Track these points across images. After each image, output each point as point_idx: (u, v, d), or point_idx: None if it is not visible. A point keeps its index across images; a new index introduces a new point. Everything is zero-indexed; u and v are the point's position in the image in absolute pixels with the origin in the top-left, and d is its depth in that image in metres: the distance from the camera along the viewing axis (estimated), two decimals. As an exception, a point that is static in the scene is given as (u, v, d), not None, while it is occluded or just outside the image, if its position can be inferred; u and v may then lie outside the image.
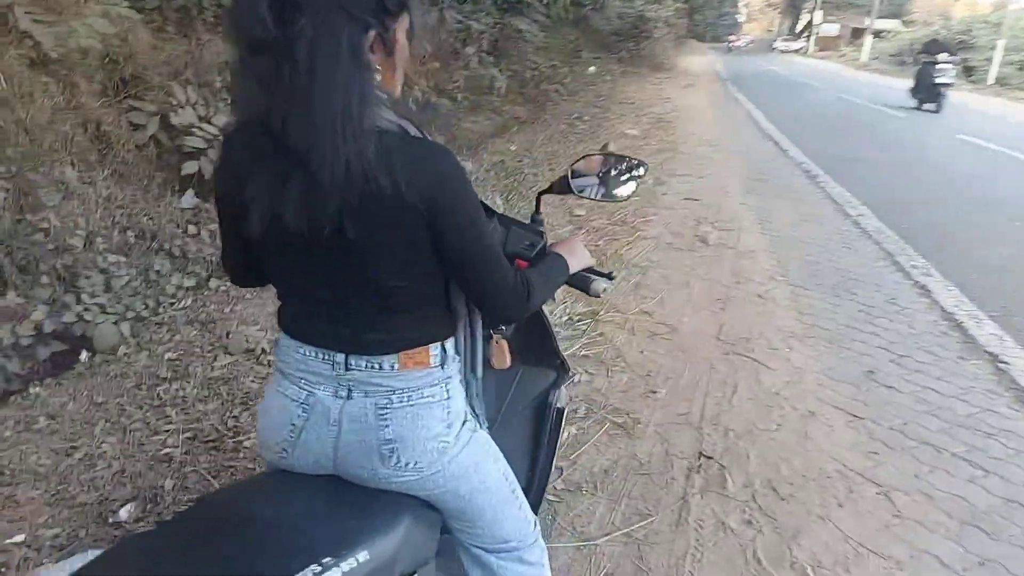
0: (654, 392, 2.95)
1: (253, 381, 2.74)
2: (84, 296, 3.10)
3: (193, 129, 4.13)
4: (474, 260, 1.08)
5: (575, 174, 1.55)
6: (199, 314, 3.25)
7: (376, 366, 1.11)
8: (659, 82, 16.36)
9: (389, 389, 1.12)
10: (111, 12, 3.66)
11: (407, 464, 1.13)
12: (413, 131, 1.03)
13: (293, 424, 1.14)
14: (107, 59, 4.29)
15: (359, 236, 0.99)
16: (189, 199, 4.29)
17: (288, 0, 0.88)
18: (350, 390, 1.12)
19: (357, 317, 1.10)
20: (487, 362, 1.62)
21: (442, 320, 1.17)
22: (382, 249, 1.03)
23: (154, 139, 4.27)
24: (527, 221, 1.56)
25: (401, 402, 1.13)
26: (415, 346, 1.13)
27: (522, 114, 9.49)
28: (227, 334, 3.09)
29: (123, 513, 1.89)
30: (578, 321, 3.59)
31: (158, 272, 3.48)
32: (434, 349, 1.15)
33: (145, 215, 3.86)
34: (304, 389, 1.13)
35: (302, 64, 0.89)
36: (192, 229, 4.03)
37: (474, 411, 1.29)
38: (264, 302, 3.42)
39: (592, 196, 1.56)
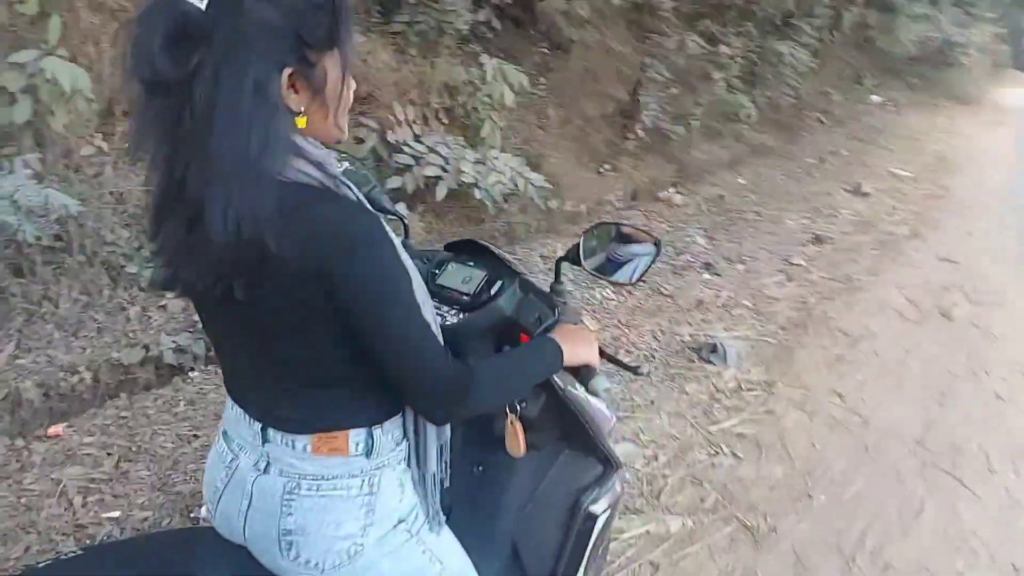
0: (809, 496, 2.47)
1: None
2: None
3: (403, 147, 4.37)
4: (383, 343, 0.92)
5: (588, 244, 1.31)
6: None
7: (290, 444, 1.00)
8: (956, 116, 14.16)
9: (300, 473, 1.00)
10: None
11: (307, 562, 1.00)
12: (344, 189, 0.91)
13: (216, 486, 1.07)
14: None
15: (252, 301, 0.89)
16: (400, 210, 4.57)
17: (188, 36, 0.79)
18: (268, 464, 1.02)
19: (269, 387, 1.00)
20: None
21: (368, 403, 1.01)
22: (279, 318, 0.92)
23: (374, 153, 4.61)
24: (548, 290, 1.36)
25: (310, 490, 1.00)
26: (331, 429, 1.00)
27: (769, 144, 8.78)
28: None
29: (202, 511, 2.01)
30: (748, 390, 3.16)
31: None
32: (356, 435, 1.00)
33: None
34: (231, 452, 1.06)
35: (200, 107, 0.79)
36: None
37: (429, 509, 1.11)
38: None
39: (601, 273, 1.32)
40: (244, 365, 1.02)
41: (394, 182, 4.37)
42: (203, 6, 0.79)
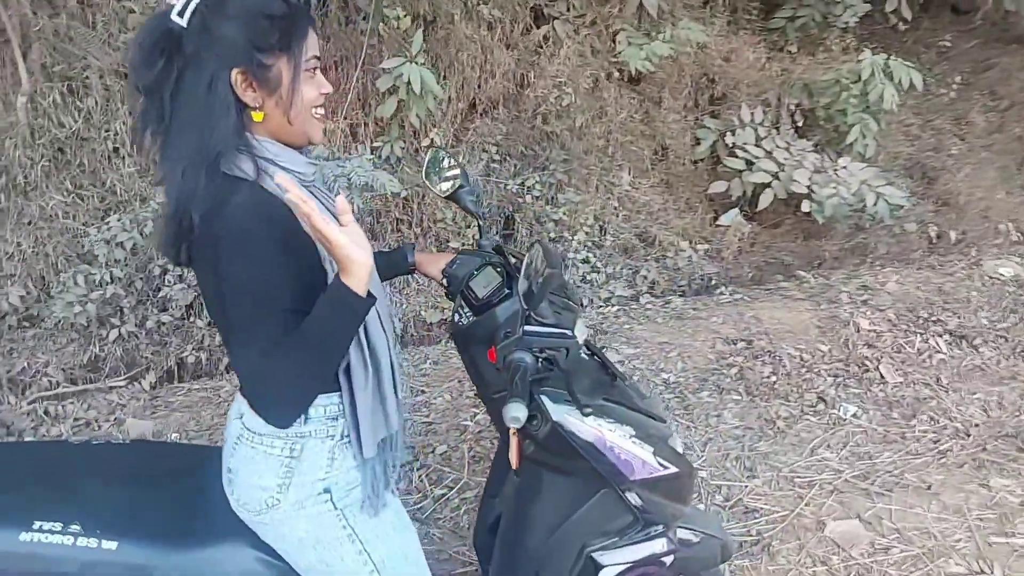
0: None
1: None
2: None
3: (737, 150, 4.12)
4: (221, 330, 1.02)
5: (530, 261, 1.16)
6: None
7: (245, 398, 1.15)
8: None
9: (247, 425, 1.14)
10: (679, 35, 3.94)
11: (238, 500, 1.15)
12: (268, 182, 1.00)
13: None
14: (704, 77, 4.65)
15: (193, 269, 1.07)
16: (731, 217, 4.36)
17: (166, 47, 0.98)
18: (242, 413, 1.17)
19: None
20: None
21: None
22: (202, 288, 1.08)
23: (713, 156, 4.45)
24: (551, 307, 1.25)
25: (247, 441, 1.14)
26: None
27: None
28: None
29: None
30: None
31: (634, 274, 3.76)
32: None
33: (660, 224, 4.14)
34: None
35: (167, 104, 1.00)
36: (701, 246, 4.13)
37: (366, 491, 1.16)
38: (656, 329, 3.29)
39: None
40: None
41: (717, 186, 4.18)
42: (184, 23, 0.97)
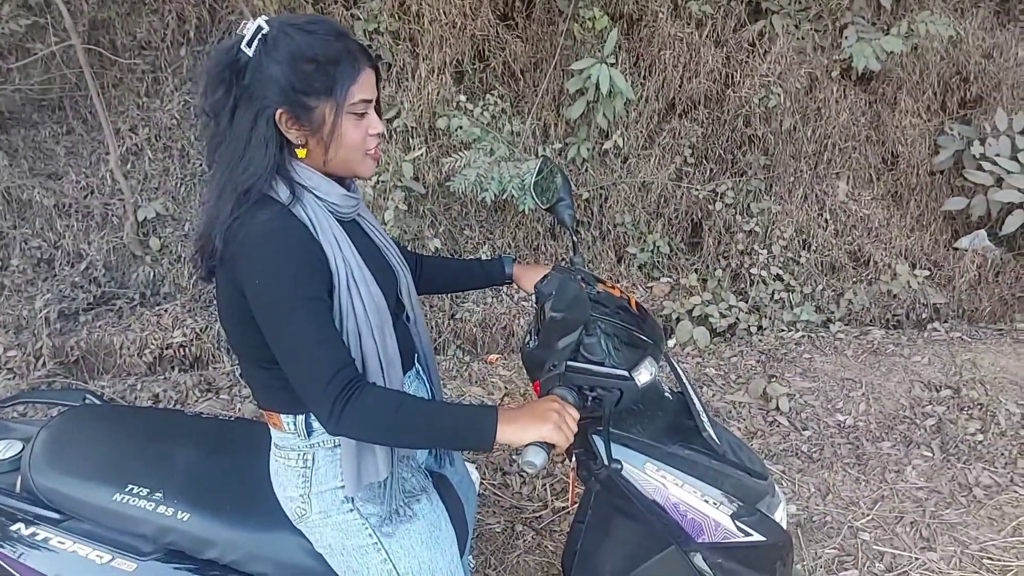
0: None
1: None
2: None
3: (985, 162, 3.48)
4: (274, 345, 1.01)
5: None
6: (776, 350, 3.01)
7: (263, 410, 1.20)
8: None
9: (272, 438, 1.20)
10: (919, 29, 3.38)
11: (284, 507, 1.21)
12: (299, 209, 1.04)
13: None
14: (956, 77, 3.99)
15: (215, 285, 1.10)
16: (975, 241, 3.72)
17: (229, 76, 1.02)
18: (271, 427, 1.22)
19: None
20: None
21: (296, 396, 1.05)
22: (222, 303, 1.10)
23: (957, 167, 3.81)
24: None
25: (274, 454, 1.20)
26: (267, 409, 1.16)
27: None
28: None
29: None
30: None
31: (838, 296, 3.34)
32: (288, 418, 1.13)
33: (879, 242, 3.64)
34: None
35: (223, 129, 1.05)
36: (923, 272, 3.55)
37: (389, 504, 1.16)
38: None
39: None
40: None
41: (954, 203, 3.56)
42: (250, 54, 1.01)
